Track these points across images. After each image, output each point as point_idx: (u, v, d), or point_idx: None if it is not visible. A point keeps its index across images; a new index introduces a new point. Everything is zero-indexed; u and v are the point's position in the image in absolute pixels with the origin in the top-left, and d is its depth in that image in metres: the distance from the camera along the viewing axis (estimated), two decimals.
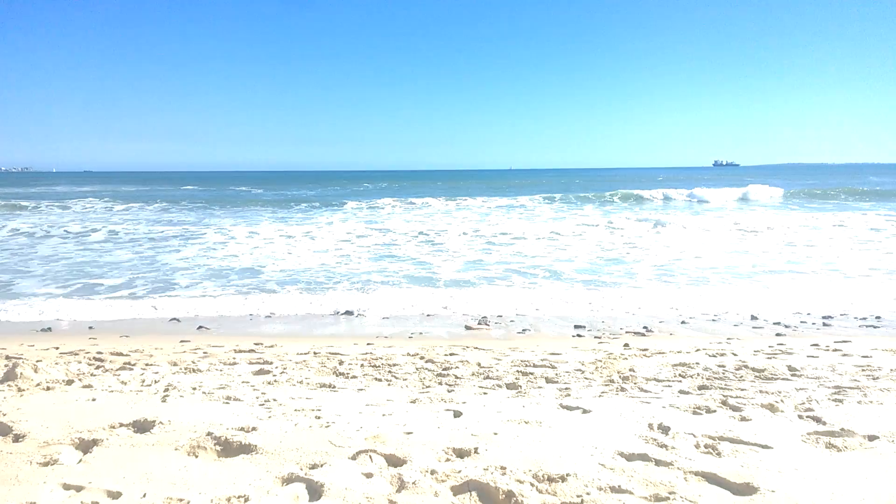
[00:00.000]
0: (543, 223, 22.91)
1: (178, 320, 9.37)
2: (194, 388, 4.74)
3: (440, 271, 13.53)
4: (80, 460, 3.08)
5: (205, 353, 6.75)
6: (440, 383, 5.12)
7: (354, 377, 5.35)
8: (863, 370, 5.44)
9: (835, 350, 6.66)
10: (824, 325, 8.59)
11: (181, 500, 2.64)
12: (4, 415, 3.83)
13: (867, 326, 8.41)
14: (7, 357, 6.26)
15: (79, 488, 2.74)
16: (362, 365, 5.92)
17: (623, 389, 4.74)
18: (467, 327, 8.79)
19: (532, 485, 2.81)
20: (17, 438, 3.40)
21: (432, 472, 2.92)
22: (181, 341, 7.63)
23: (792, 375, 5.30)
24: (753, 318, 9.05)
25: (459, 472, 2.93)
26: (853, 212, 26.34)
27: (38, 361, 5.31)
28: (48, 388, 4.61)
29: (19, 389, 4.55)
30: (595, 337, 8.00)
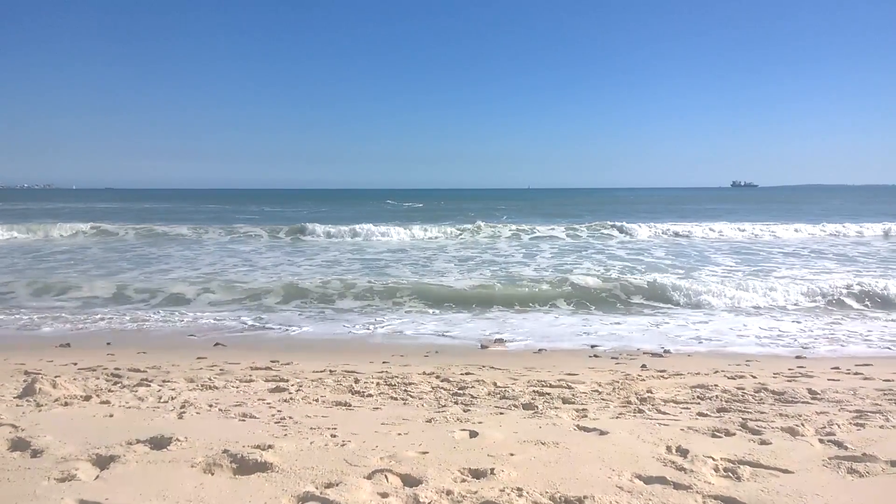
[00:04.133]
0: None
1: (194, 336, 9.43)
2: (210, 405, 4.76)
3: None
4: (98, 476, 3.10)
5: (221, 370, 6.78)
6: (456, 403, 5.10)
7: (370, 396, 5.34)
8: (885, 394, 5.35)
9: (856, 373, 6.56)
10: None
11: None
12: (23, 430, 3.86)
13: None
14: (26, 372, 6.32)
15: None
16: (378, 383, 5.91)
17: (640, 411, 4.69)
18: (483, 346, 8.77)
19: None
20: (34, 453, 3.42)
21: (448, 493, 2.90)
22: (198, 358, 7.67)
23: (812, 399, 5.22)
24: None
25: (475, 492, 2.91)
26: None
27: (56, 377, 5.35)
28: (66, 404, 4.65)
29: (38, 405, 4.59)
30: (612, 358, 7.94)
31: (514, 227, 28.60)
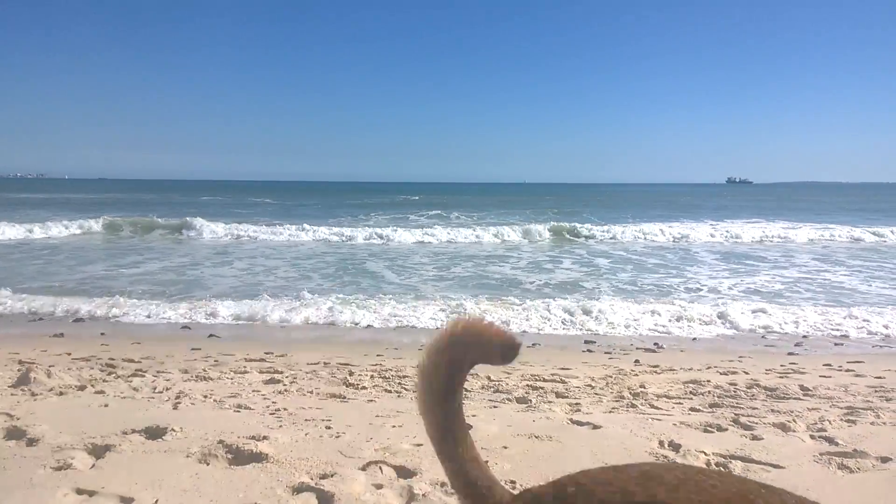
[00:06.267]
0: None
1: (188, 328, 9.42)
2: (205, 396, 4.76)
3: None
4: (93, 465, 3.11)
5: (216, 361, 6.78)
6: None
7: (364, 388, 5.36)
8: (876, 391, 5.39)
9: (847, 370, 6.61)
10: None
11: None
12: (18, 419, 3.87)
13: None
14: (20, 362, 6.31)
15: (92, 493, 2.76)
16: (372, 376, 5.93)
17: (633, 406, 4.72)
18: None
19: None
20: (30, 442, 3.43)
21: (442, 485, 2.92)
22: (192, 349, 7.65)
23: (804, 395, 5.26)
24: None
25: None
26: None
27: (50, 366, 5.35)
28: (61, 394, 4.66)
29: (33, 394, 4.60)
30: (605, 353, 7.97)
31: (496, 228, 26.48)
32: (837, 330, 9.42)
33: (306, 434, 3.68)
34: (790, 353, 7.96)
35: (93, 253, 18.46)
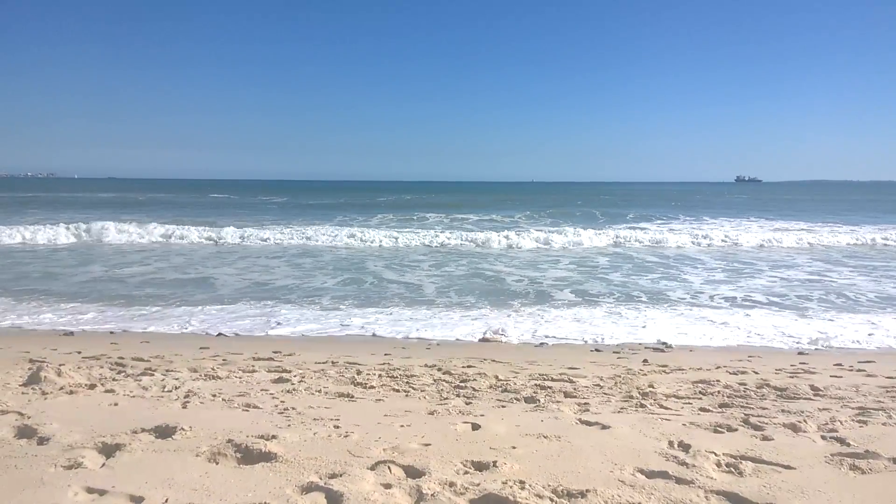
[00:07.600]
0: None
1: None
2: (214, 395, 4.78)
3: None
4: (104, 464, 3.12)
5: (224, 360, 6.80)
6: (458, 395, 5.11)
7: (372, 387, 5.36)
8: (887, 391, 5.36)
9: (858, 370, 6.57)
10: None
11: None
12: (29, 417, 3.89)
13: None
14: (31, 360, 6.35)
15: (102, 492, 2.77)
16: (380, 375, 5.93)
17: (642, 406, 4.70)
18: (484, 339, 8.78)
19: (551, 500, 2.80)
20: (41, 441, 3.45)
21: (451, 485, 2.92)
22: (200, 348, 7.68)
23: (815, 395, 5.23)
24: None
25: (478, 485, 2.92)
26: None
27: (61, 365, 5.38)
28: (71, 392, 4.68)
29: (43, 392, 4.62)
30: (613, 352, 7.95)
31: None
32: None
33: (315, 433, 3.69)
34: (800, 353, 7.92)
35: (97, 252, 18.56)
